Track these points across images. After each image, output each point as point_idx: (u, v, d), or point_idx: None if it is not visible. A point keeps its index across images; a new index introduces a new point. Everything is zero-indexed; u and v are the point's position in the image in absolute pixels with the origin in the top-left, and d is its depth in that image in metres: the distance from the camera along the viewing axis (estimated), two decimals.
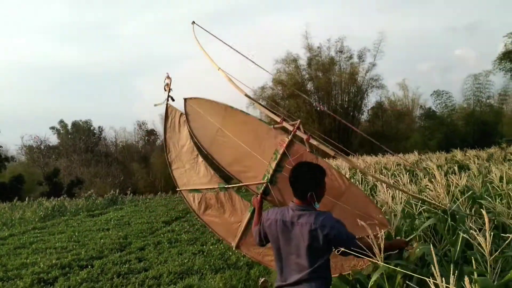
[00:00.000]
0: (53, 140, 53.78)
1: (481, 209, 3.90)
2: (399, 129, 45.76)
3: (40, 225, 14.95)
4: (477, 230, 2.91)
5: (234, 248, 4.23)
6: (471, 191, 5.23)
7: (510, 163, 10.22)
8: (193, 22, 4.34)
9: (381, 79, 44.97)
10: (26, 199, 24.68)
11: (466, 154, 17.94)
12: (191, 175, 4.35)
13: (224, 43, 4.23)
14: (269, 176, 3.85)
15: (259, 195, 3.87)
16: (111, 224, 14.46)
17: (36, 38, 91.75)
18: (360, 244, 2.94)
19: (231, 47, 4.21)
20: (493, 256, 2.70)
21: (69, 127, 52.95)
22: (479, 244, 2.74)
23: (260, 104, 4.26)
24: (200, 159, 4.29)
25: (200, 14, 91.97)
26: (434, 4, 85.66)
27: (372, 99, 48.29)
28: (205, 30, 4.30)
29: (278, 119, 3.81)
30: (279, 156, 3.80)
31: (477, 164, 9.15)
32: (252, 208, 3.96)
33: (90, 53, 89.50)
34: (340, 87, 45.32)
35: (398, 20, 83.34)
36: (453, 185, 5.65)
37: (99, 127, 53.65)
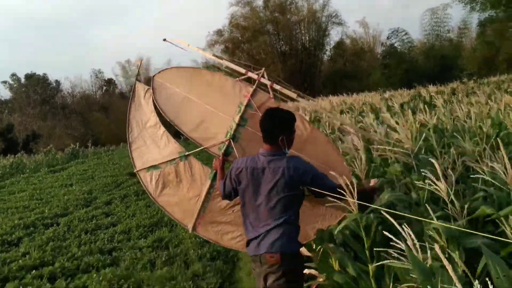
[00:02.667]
0: (5, 94, 51.49)
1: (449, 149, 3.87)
2: (361, 67, 46.02)
3: None
4: (445, 171, 2.89)
5: (190, 231, 3.99)
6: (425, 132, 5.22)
7: (473, 97, 10.34)
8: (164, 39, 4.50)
9: (339, 15, 44.77)
10: None
11: (429, 89, 18.16)
12: (151, 150, 4.14)
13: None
14: (232, 133, 3.78)
15: (220, 156, 3.76)
16: (74, 179, 14.13)
17: None
18: (338, 185, 2.99)
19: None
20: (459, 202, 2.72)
21: (23, 80, 50.61)
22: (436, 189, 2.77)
23: (225, 59, 4.28)
24: (162, 130, 4.11)
25: None
26: None
27: (334, 37, 48.13)
28: (175, 45, 4.48)
29: (243, 70, 3.92)
30: (243, 108, 3.78)
31: (443, 100, 9.18)
32: (213, 174, 3.84)
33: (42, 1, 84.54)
34: (299, 26, 44.98)
35: None
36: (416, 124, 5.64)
37: (56, 80, 51.38)
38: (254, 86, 3.80)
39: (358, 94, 22.37)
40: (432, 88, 18.80)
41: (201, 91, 3.99)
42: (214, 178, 3.83)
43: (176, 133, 4.34)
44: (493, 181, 3.15)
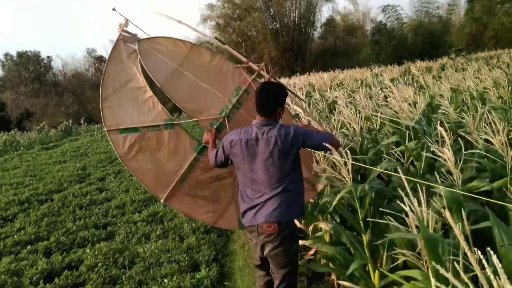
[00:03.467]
0: None
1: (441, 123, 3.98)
2: (351, 44, 45.94)
3: None
4: (440, 143, 2.97)
5: (163, 201, 3.84)
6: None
7: (461, 73, 10.44)
8: (114, 9, 3.99)
9: None
10: None
11: (417, 65, 18.26)
12: (129, 112, 3.87)
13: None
14: (227, 112, 3.82)
15: (213, 130, 3.78)
16: (68, 156, 14.17)
17: None
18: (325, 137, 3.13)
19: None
20: (459, 167, 2.77)
21: (15, 58, 50.24)
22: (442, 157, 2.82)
23: (228, 45, 4.08)
24: (149, 94, 3.85)
25: None
26: None
27: (325, 14, 47.94)
28: (122, 15, 3.93)
29: (244, 60, 3.91)
30: (241, 92, 3.85)
31: (430, 76, 9.28)
32: (200, 147, 3.82)
33: None
34: (290, 2, 44.69)
35: None
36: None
37: (48, 56, 50.91)
38: (254, 76, 3.88)
39: (348, 70, 22.43)
40: (421, 64, 18.94)
41: (198, 68, 3.92)
42: (200, 151, 3.80)
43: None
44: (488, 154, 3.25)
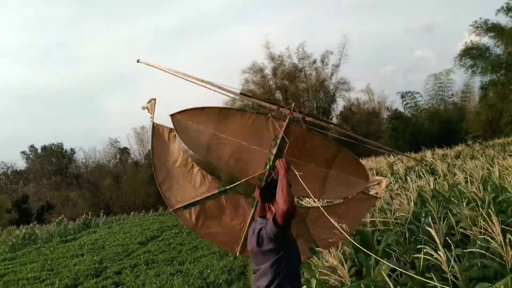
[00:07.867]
0: (20, 165, 52.61)
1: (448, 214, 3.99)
2: (369, 132, 46.37)
3: (10, 256, 14.50)
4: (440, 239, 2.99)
5: (237, 254, 4.27)
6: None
7: (476, 161, 10.46)
8: (138, 61, 4.46)
9: (348, 82, 45.68)
10: None
11: (433, 153, 18.33)
12: (185, 189, 4.27)
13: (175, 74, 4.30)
14: (271, 164, 4.03)
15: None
16: (85, 249, 14.15)
17: None
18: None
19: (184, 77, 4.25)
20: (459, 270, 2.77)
21: (39, 151, 51.85)
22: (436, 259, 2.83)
23: (256, 98, 4.49)
24: (196, 168, 4.24)
25: (162, 29, 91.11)
26: (389, 8, 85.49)
27: (340, 103, 48.87)
28: (151, 65, 4.39)
29: (274, 107, 4.15)
30: (278, 141, 4.04)
31: (443, 166, 9.27)
32: (256, 202, 4.02)
33: (53, 75, 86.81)
34: (308, 93, 45.89)
35: (355, 25, 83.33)
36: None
37: (71, 149, 52.48)
38: (287, 121, 4.03)
39: (364, 158, 22.49)
40: (437, 151, 19.04)
41: (232, 128, 4.14)
42: (257, 205, 4.00)
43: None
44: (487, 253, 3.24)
